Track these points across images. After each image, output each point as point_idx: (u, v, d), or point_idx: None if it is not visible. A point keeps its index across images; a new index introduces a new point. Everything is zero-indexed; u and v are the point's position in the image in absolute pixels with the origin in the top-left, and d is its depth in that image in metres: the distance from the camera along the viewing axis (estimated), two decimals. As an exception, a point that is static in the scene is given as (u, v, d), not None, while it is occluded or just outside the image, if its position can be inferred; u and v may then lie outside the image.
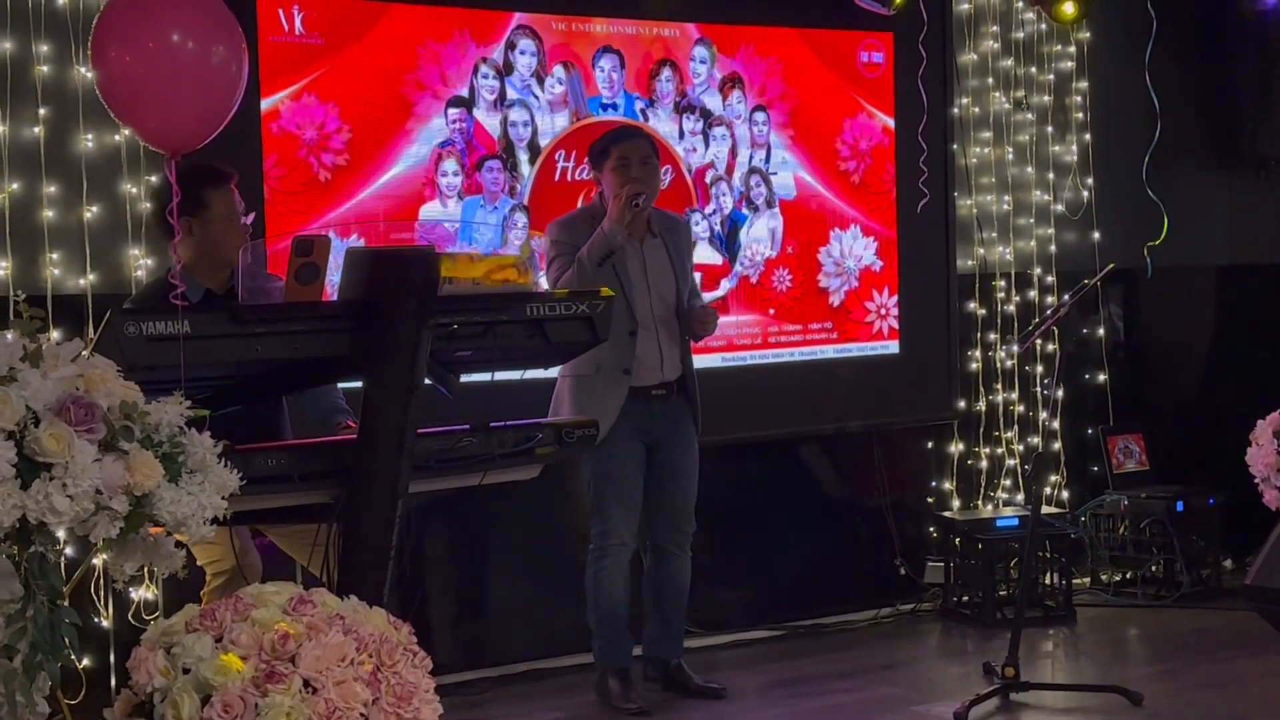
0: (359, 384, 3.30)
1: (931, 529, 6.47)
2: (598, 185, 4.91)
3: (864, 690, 5.15)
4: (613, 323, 4.64)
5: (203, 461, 2.46)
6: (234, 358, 3.08)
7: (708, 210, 5.83)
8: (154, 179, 4.64)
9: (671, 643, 5.08)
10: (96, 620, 4.54)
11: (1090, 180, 6.83)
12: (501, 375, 4.40)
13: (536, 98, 5.47)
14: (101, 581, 4.53)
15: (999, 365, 6.64)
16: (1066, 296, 5.91)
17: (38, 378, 2.30)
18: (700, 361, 5.22)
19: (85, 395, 2.33)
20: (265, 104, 4.90)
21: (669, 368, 4.89)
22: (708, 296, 5.64)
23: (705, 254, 5.78)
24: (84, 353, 2.44)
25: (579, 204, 5.46)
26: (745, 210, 5.95)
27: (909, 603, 6.29)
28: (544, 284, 5.23)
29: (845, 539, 6.36)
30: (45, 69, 4.60)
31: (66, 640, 2.33)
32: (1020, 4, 6.67)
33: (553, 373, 4.80)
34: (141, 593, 4.62)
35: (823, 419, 6.17)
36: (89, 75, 4.52)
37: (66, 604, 2.38)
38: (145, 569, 2.58)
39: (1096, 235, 6.82)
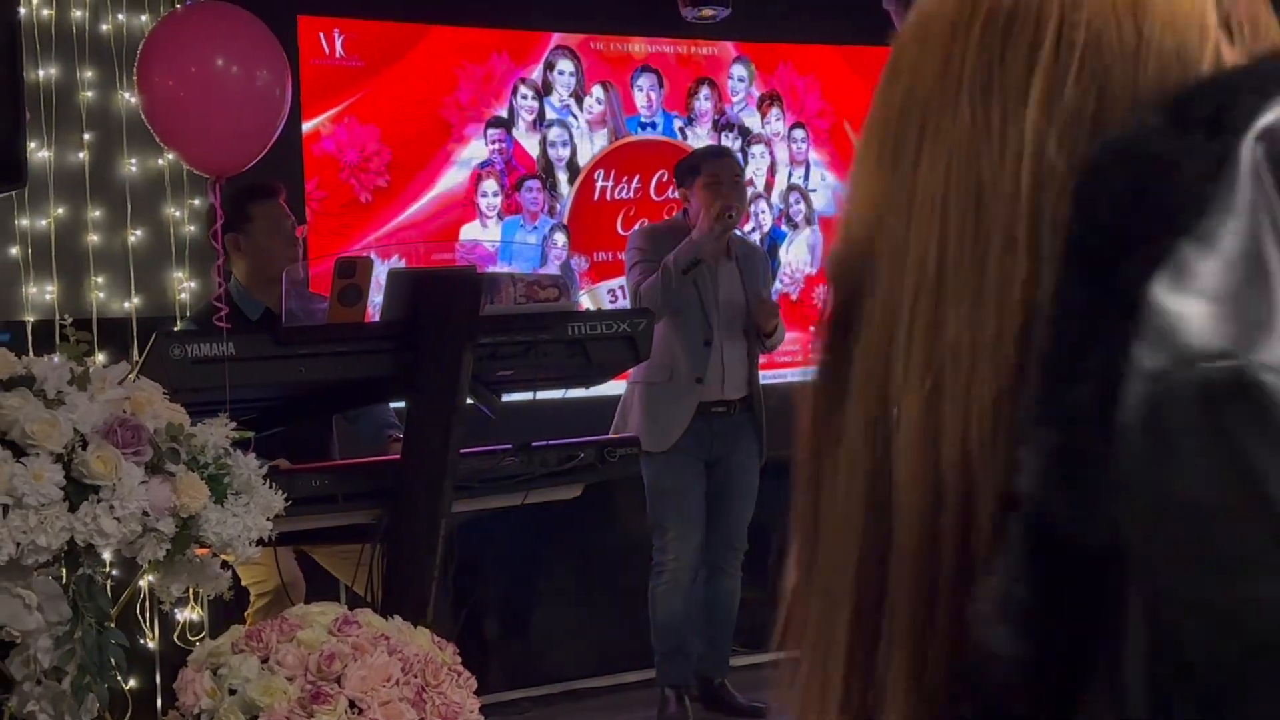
0: (403, 403, 3.31)
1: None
2: (684, 202, 4.89)
3: (909, 709, 5.11)
4: (688, 332, 4.71)
5: (248, 483, 2.46)
6: (278, 379, 3.09)
7: (747, 228, 5.82)
8: (196, 202, 4.68)
9: (717, 662, 5.07)
10: (142, 642, 4.56)
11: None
12: (544, 395, 4.41)
13: (575, 118, 5.48)
14: (147, 603, 4.55)
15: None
16: None
17: (85, 401, 2.31)
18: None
19: (132, 418, 2.33)
20: (306, 127, 4.93)
21: (730, 387, 4.88)
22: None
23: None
24: (130, 375, 2.45)
25: (618, 223, 5.47)
26: (785, 228, 5.94)
27: (953, 620, 6.24)
28: (585, 303, 5.25)
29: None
30: (89, 95, 4.64)
31: (114, 662, 2.34)
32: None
33: (594, 392, 4.81)
34: (186, 614, 4.64)
35: (864, 436, 6.14)
36: (132, 100, 4.56)
37: (114, 626, 2.39)
38: (191, 590, 2.59)
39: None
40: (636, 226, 5.30)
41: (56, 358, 2.41)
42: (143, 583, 4.13)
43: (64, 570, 2.31)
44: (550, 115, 5.42)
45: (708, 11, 5.44)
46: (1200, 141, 0.61)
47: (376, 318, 3.44)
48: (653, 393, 4.77)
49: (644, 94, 5.62)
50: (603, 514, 5.45)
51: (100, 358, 4.27)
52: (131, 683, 4.48)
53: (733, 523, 4.96)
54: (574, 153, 5.47)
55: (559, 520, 4.87)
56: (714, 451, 4.88)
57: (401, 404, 3.56)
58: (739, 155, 5.31)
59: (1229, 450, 0.55)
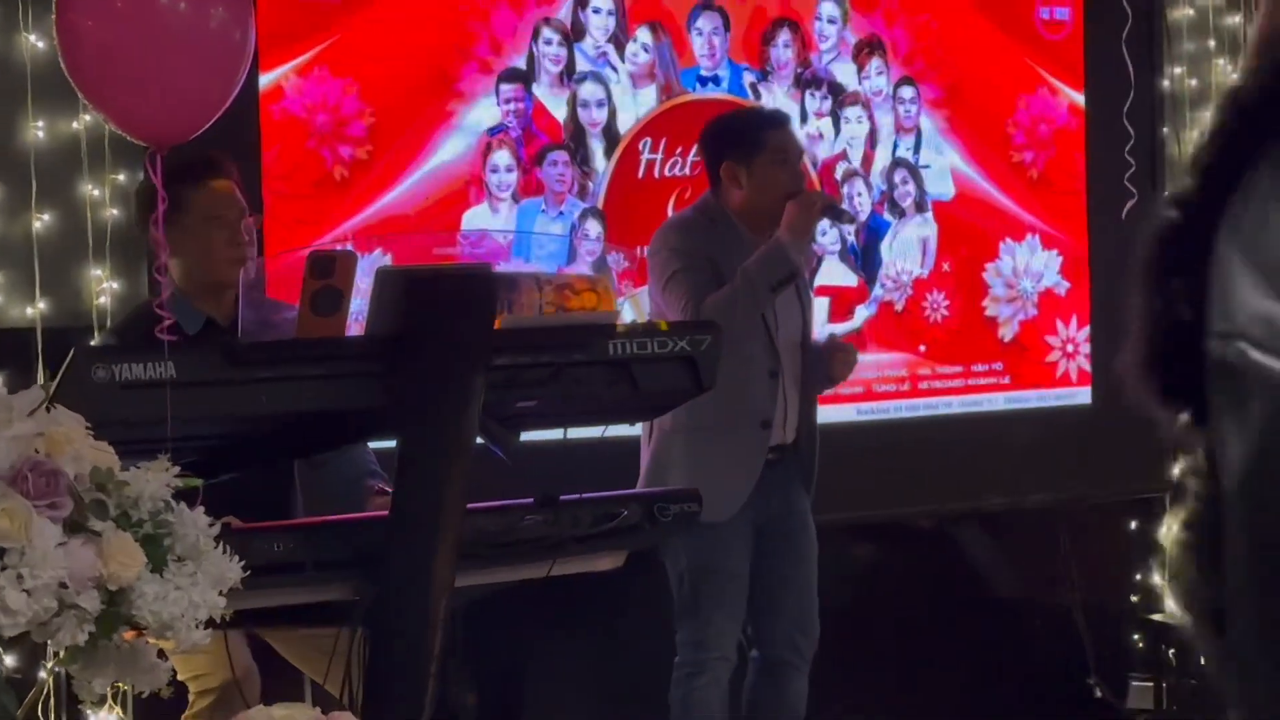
0: (393, 443, 3.32)
1: (1136, 637, 6.41)
2: (731, 180, 4.79)
3: None
4: (749, 360, 4.59)
5: (195, 547, 2.47)
6: (232, 410, 3.11)
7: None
8: (122, 178, 4.71)
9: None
10: (45, 753, 4.58)
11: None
12: (576, 433, 4.40)
13: (615, 70, 5.50)
14: (52, 701, 4.57)
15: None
16: None
17: (-13, 437, 2.33)
18: (828, 414, 5.17)
19: (47, 460, 2.35)
20: (264, 80, 4.95)
21: (790, 427, 4.82)
22: (838, 328, 5.63)
23: (836, 273, 5.77)
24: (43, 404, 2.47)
25: (669, 208, 5.47)
26: (887, 216, 5.94)
27: (1108, 733, 6.24)
28: (626, 312, 5.24)
29: (1020, 649, 6.31)
30: (-17, 39, 4.69)
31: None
32: (1251, -58, 6.63)
33: (635, 430, 4.79)
34: (104, 716, 4.66)
35: (991, 490, 6.13)
36: (41, 46, 4.59)
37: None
38: (112, 686, 2.60)
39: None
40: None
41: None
42: (45, 674, 4.16)
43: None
44: (582, 67, 5.44)
45: None
46: None
47: (357, 331, 3.46)
48: (702, 441, 4.66)
49: (704, 39, 5.63)
50: (632, 588, 5.43)
51: (-5, 380, 4.30)
52: (31, 805, 4.50)
53: (802, 601, 4.89)
54: (612, 116, 5.49)
55: (578, 596, 4.86)
56: (768, 511, 4.81)
57: (390, 444, 3.57)
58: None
59: None
